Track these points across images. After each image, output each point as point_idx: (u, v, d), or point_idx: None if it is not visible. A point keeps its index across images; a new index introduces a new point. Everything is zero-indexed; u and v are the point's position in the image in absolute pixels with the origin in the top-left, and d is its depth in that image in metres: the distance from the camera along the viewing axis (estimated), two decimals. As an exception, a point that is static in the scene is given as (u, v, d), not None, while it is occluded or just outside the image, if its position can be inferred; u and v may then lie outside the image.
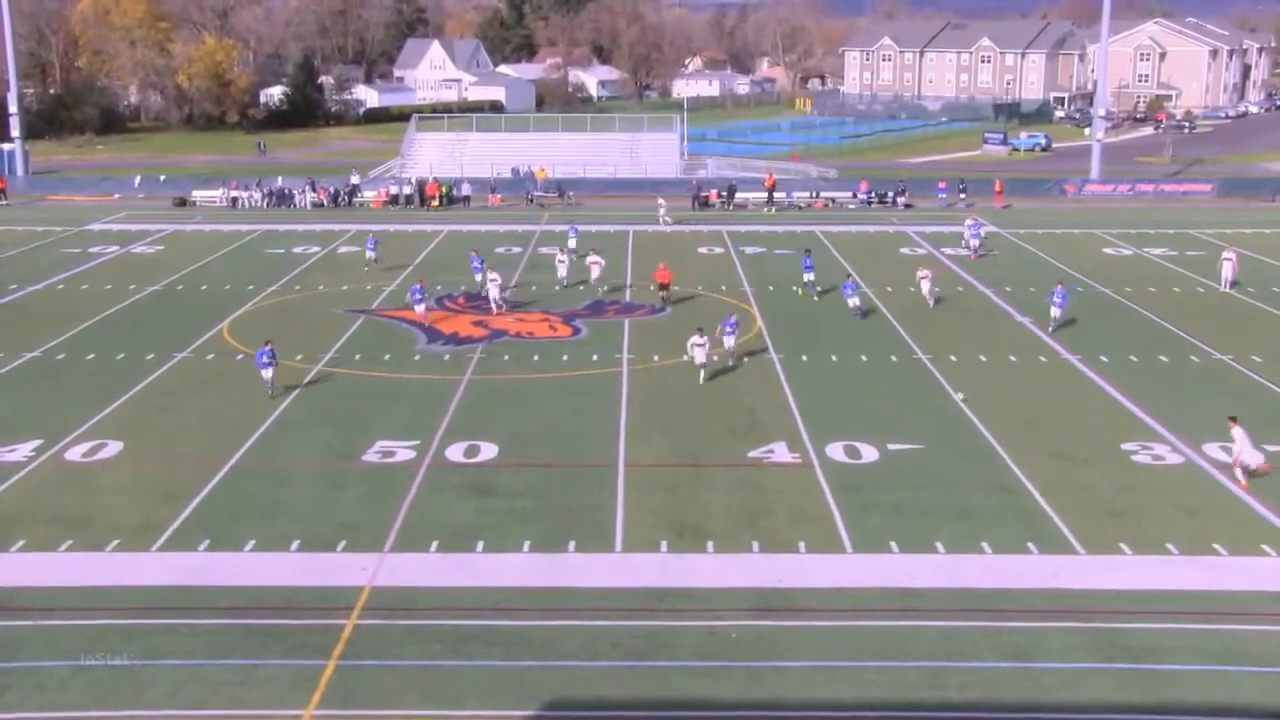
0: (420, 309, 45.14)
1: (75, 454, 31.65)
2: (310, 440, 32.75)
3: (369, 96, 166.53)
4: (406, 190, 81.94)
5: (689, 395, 36.79)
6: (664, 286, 49.17)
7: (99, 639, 21.84)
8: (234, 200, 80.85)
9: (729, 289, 52.04)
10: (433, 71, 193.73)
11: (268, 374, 36.22)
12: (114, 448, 32.11)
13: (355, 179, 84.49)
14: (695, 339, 38.19)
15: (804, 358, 40.95)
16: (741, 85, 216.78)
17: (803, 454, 31.58)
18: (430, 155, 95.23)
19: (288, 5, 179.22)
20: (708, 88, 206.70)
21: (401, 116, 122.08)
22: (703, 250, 62.44)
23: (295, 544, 25.83)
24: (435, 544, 25.98)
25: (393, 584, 24.15)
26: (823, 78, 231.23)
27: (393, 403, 36.19)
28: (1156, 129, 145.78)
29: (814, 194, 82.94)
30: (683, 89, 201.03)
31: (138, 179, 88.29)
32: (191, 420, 34.52)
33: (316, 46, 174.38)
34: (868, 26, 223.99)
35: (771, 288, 52.43)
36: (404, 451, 31.73)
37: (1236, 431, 29.69)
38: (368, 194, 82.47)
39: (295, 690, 20.18)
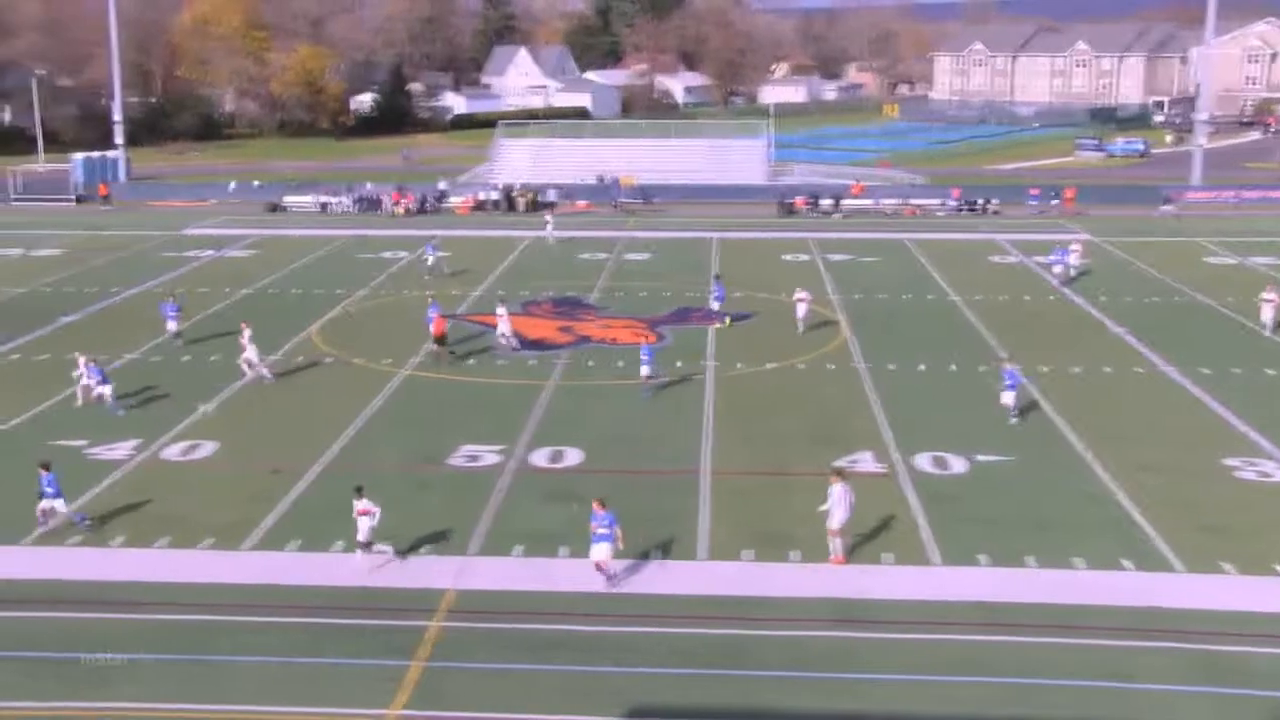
0: (504, 317, 44.25)
1: (172, 453, 32.25)
2: (396, 443, 33.06)
3: (457, 103, 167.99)
4: (494, 196, 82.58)
5: (773, 402, 36.63)
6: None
7: (194, 634, 22.24)
8: (324, 205, 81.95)
9: (815, 297, 51.70)
10: (520, 78, 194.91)
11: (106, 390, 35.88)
12: (208, 448, 32.66)
13: (443, 185, 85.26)
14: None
15: (891, 367, 40.60)
16: (829, 91, 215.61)
17: (889, 464, 31.30)
18: (516, 161, 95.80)
19: (379, 14, 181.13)
20: (795, 94, 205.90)
21: (488, 123, 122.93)
22: (787, 258, 62.15)
23: (386, 548, 26.04)
24: (519, 548, 26.09)
25: (476, 587, 24.29)
26: (911, 83, 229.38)
27: (478, 407, 36.42)
28: (1265, 133, 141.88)
29: (903, 201, 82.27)
30: (769, 95, 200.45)
31: (232, 184, 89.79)
32: (282, 422, 35.01)
33: (406, 54, 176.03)
34: (958, 31, 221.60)
35: (858, 295, 52.06)
36: (489, 456, 31.91)
37: None
38: (455, 199, 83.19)
39: (380, 690, 20.37)
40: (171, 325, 43.77)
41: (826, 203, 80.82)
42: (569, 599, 23.72)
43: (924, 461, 31.40)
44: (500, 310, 43.87)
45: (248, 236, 69.53)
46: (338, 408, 36.05)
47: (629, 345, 43.36)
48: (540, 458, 31.85)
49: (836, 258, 62.05)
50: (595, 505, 24.26)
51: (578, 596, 23.84)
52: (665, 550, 25.92)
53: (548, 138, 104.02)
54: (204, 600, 23.58)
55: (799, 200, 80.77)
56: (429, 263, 57.40)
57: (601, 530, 24.00)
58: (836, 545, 25.42)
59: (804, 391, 37.93)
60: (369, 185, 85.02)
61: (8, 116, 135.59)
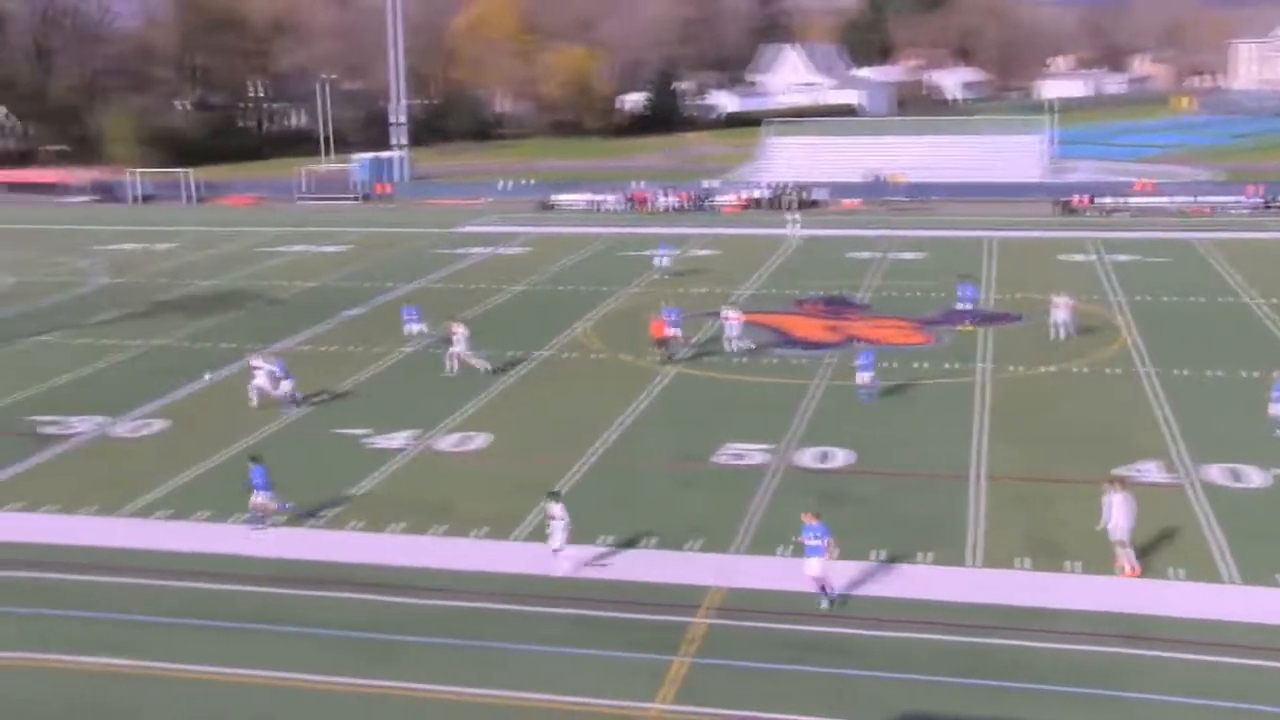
0: (734, 321, 42.36)
1: (446, 444, 33.15)
2: (663, 440, 33.14)
3: (728, 102, 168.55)
4: (762, 194, 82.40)
5: (1049, 406, 35.17)
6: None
7: (468, 620, 22.74)
8: (594, 204, 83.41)
9: (1096, 298, 49.54)
10: (789, 76, 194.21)
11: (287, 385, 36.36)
12: (481, 440, 33.44)
13: (712, 184, 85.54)
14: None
15: (1180, 372, 38.46)
16: (1114, 85, 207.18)
17: (1177, 474, 29.57)
18: (785, 159, 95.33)
19: (649, 14, 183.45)
20: (1077, 88, 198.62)
21: (757, 121, 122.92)
22: (1064, 258, 59.81)
23: (647, 541, 26.10)
24: (784, 549, 25.72)
25: (740, 586, 24.03)
26: (1207, 73, 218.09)
27: (745, 406, 36.20)
28: None
29: (1193, 198, 78.15)
30: (1050, 90, 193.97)
31: (505, 183, 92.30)
32: (552, 416, 35.57)
33: (676, 54, 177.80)
34: (1260, 16, 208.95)
35: (1143, 297, 49.62)
36: (755, 455, 31.65)
37: None
38: (723, 198, 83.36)
39: (644, 683, 20.34)
40: (415, 328, 43.93)
41: (1108, 201, 77.48)
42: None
43: (1217, 473, 29.52)
44: (729, 312, 42.89)
45: (520, 234, 71.26)
46: (605, 404, 36.41)
47: (900, 346, 42.44)
48: (808, 457, 31.39)
49: (1121, 258, 59.35)
50: (808, 517, 23.39)
51: (843, 598, 23.31)
52: (936, 555, 25.12)
53: (817, 135, 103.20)
54: (476, 588, 24.05)
55: (1080, 199, 77.68)
56: (663, 263, 57.70)
57: (813, 542, 23.13)
58: (1126, 556, 24.09)
59: (1083, 396, 36.29)
60: (641, 184, 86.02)
61: (299, 120, 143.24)
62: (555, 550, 24.64)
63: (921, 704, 19.66)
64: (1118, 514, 24.04)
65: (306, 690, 20.40)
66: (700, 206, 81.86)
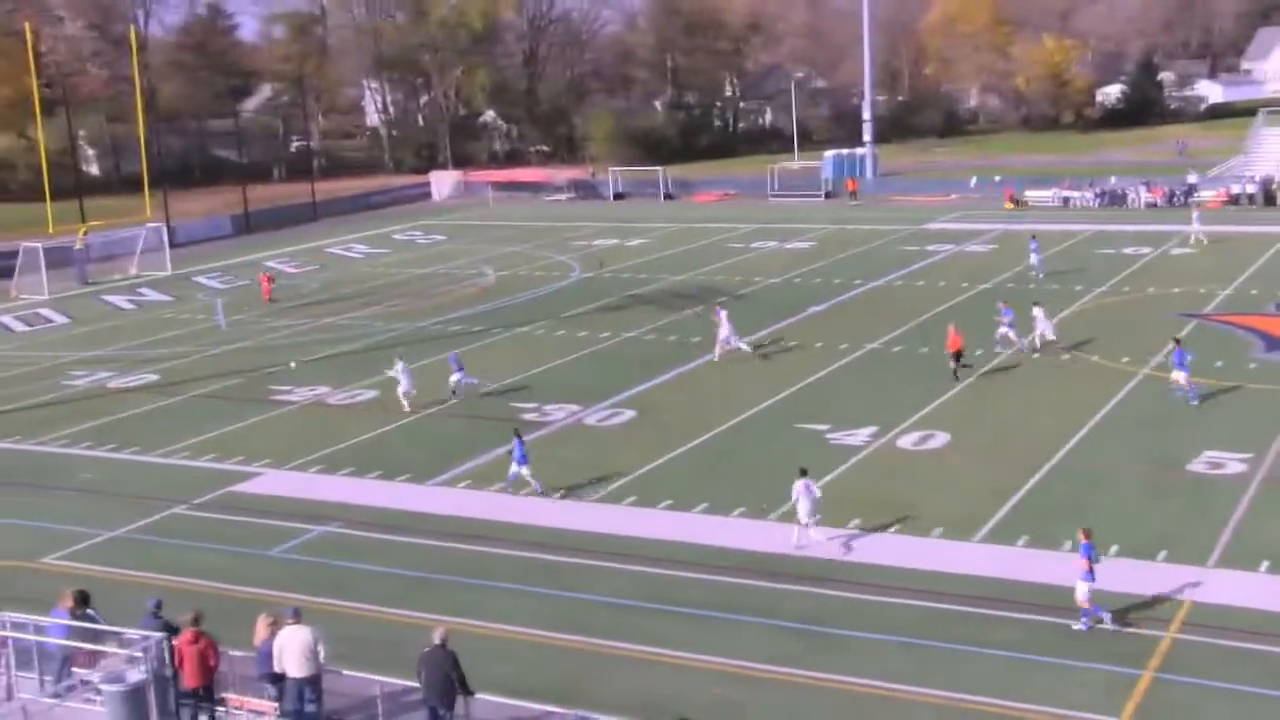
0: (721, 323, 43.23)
1: (906, 442, 33.35)
2: (1131, 445, 31.97)
3: (1211, 92, 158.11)
4: (1249, 189, 77.08)
5: None
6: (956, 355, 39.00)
7: (923, 620, 22.96)
8: (1065, 200, 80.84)
9: None
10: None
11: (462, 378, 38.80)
12: (941, 439, 33.42)
13: (1193, 178, 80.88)
14: None
15: None
16: None
17: None
18: (1277, 152, 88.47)
19: (1131, 2, 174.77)
20: None
21: (1246, 111, 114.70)
22: None
23: (1112, 549, 25.33)
24: (1266, 564, 24.28)
25: (1214, 601, 22.94)
26: None
27: (1224, 411, 34.31)
28: None
29: None
30: None
31: (974, 180, 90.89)
32: (1015, 417, 35.03)
33: (1159, 42, 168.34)
34: None
35: None
36: (1234, 464, 29.96)
37: None
38: (1205, 194, 78.64)
39: (1109, 697, 19.89)
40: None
41: None
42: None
43: None
44: (720, 314, 43.74)
45: (986, 231, 70.11)
46: (1072, 405, 35.45)
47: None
48: (1294, 471, 29.44)
49: None
50: (1082, 535, 22.47)
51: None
52: None
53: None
54: (932, 588, 24.18)
55: None
56: (1032, 261, 55.14)
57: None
58: None
59: None
60: (1113, 179, 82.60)
61: (769, 118, 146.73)
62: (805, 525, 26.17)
63: None
64: None
65: (760, 679, 21.25)
66: (1186, 202, 77.59)
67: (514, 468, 30.39)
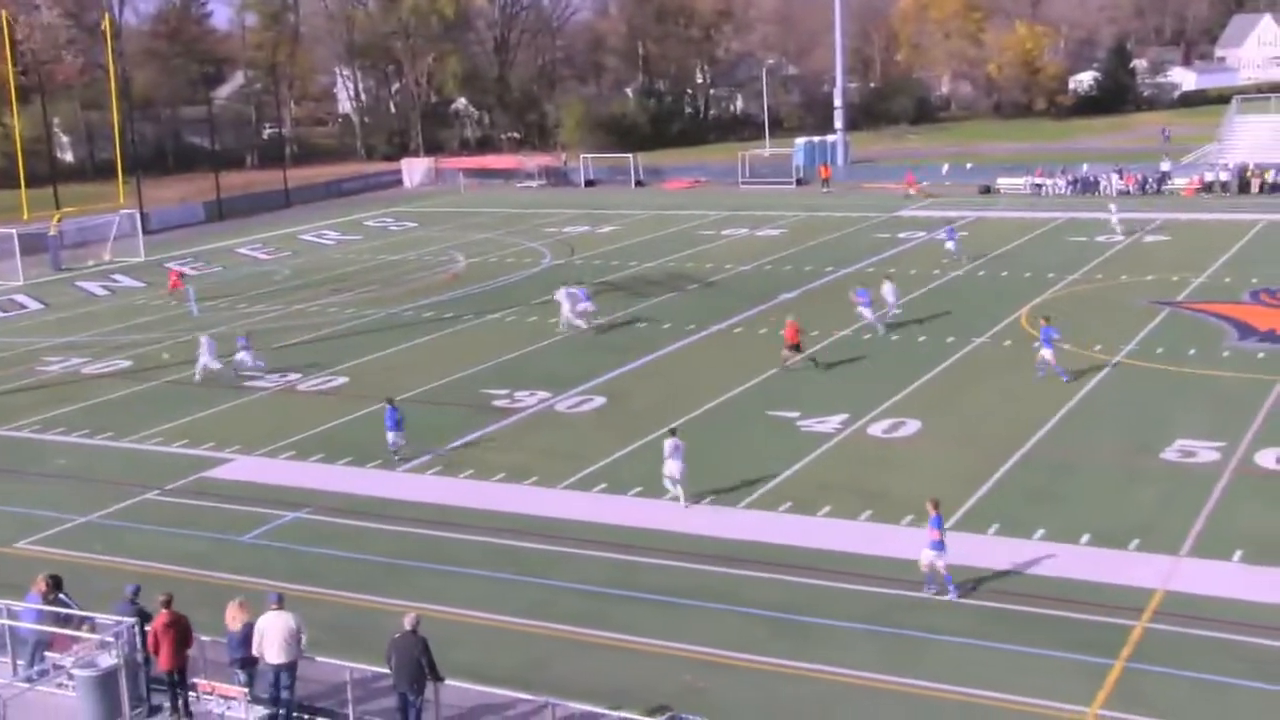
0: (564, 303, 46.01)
1: (877, 429, 33.21)
2: (1104, 434, 31.89)
3: (1185, 79, 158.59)
4: (1223, 177, 77.25)
5: None
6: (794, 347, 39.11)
7: (888, 607, 22.84)
8: (1037, 187, 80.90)
9: None
10: (1260, 49, 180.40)
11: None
12: (912, 426, 33.29)
13: (1165, 166, 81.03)
14: None
15: None
16: None
17: None
18: (1253, 139, 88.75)
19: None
20: None
21: (1220, 99, 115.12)
22: None
23: (1084, 538, 25.25)
24: (1238, 554, 24.22)
25: (1187, 590, 22.87)
26: None
27: (1196, 401, 34.28)
28: None
29: None
30: None
31: (945, 167, 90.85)
32: (987, 405, 34.94)
33: (1132, 29, 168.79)
34: None
35: None
36: (1207, 452, 29.92)
37: None
38: (1178, 181, 78.81)
39: (1079, 686, 19.76)
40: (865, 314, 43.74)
41: None
42: (1292, 615, 21.71)
43: None
44: (560, 294, 46.45)
45: (958, 218, 70.02)
46: (1045, 392, 35.37)
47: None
48: (1267, 458, 29.40)
49: None
50: (930, 506, 23.18)
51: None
52: None
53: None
54: (899, 575, 24.00)
55: None
56: (949, 248, 56.18)
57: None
58: None
59: None
60: (1085, 167, 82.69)
61: (740, 105, 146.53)
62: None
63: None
64: None
65: (727, 666, 21.10)
66: (1159, 190, 77.70)
67: (390, 436, 32.10)
